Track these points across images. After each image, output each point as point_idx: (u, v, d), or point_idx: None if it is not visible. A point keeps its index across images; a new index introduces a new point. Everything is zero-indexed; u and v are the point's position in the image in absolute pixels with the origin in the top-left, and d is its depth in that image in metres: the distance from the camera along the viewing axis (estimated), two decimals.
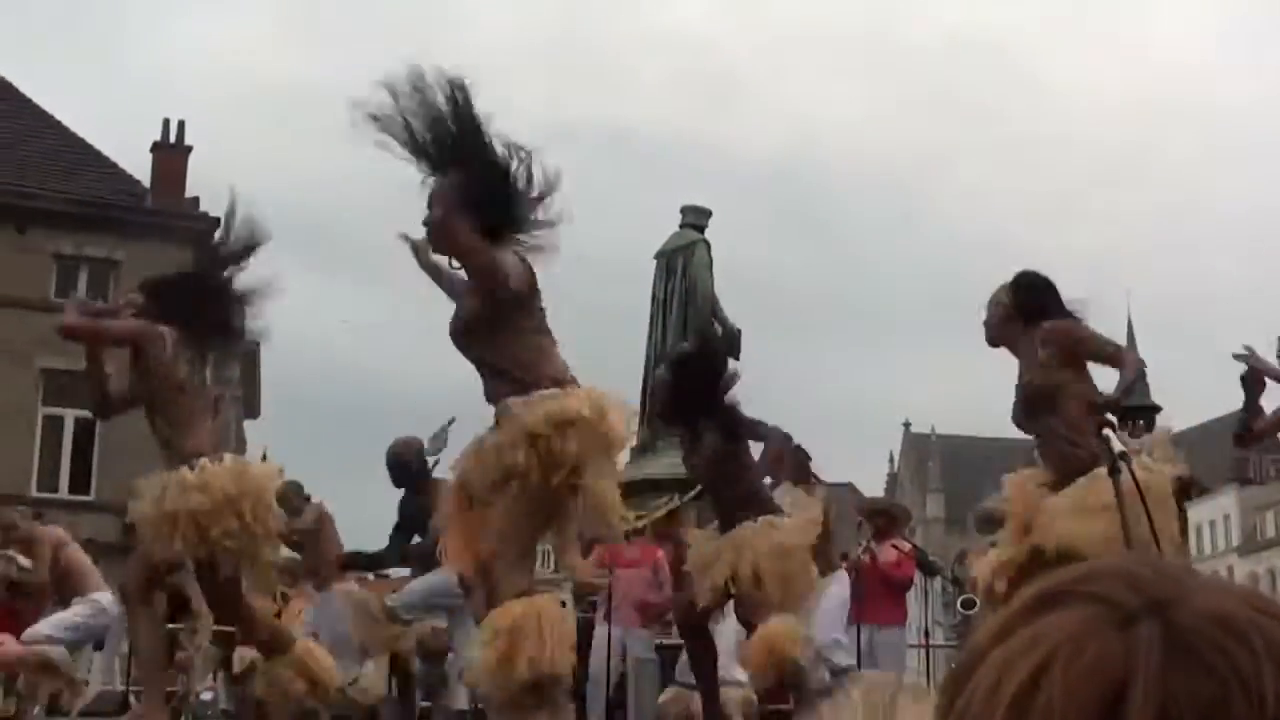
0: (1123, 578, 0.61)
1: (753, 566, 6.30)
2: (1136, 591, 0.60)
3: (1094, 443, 4.42)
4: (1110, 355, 5.39)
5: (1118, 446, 3.77)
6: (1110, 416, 4.34)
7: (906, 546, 9.79)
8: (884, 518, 9.77)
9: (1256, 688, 0.56)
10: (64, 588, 7.54)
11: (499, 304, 4.60)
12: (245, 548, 5.38)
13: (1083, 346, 5.34)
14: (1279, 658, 0.57)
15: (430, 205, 4.67)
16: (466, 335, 4.74)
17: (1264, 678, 0.56)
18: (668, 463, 14.02)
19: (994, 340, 5.59)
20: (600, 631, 8.00)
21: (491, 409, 4.74)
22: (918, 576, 9.89)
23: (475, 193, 4.57)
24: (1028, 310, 5.42)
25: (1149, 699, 0.55)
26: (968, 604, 8.96)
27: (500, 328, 4.64)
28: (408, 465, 7.93)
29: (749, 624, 6.68)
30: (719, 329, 15.83)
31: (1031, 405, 5.38)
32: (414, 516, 7.78)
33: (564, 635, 4.49)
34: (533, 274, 4.66)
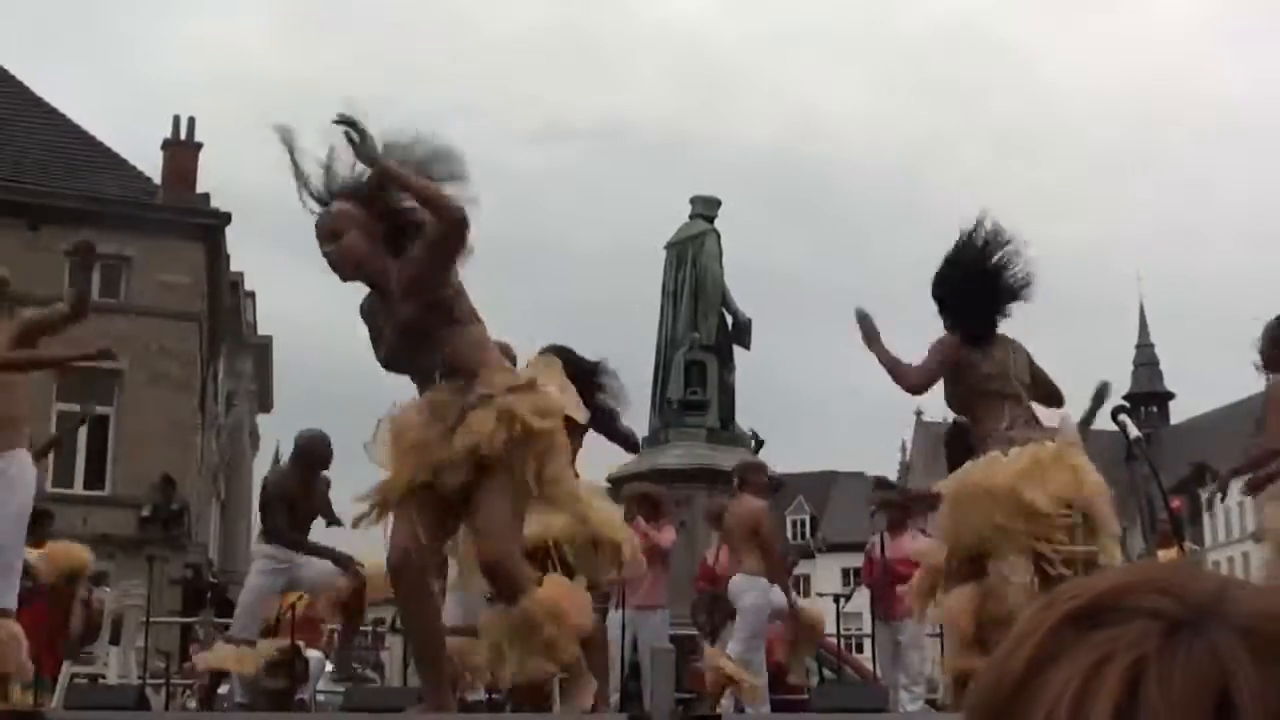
0: (1156, 586, 0.60)
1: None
2: (1177, 600, 0.59)
3: None
4: None
5: (1133, 433, 3.76)
6: (1124, 403, 4.32)
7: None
8: (898, 510, 9.36)
9: None
10: None
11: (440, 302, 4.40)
12: None
13: None
14: None
15: (329, 235, 4.48)
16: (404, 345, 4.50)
17: None
18: (677, 454, 14.01)
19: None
20: (614, 618, 7.75)
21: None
22: None
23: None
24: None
25: (1256, 700, 0.55)
26: None
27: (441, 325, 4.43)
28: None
29: None
30: (730, 319, 15.84)
31: None
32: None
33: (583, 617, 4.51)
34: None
